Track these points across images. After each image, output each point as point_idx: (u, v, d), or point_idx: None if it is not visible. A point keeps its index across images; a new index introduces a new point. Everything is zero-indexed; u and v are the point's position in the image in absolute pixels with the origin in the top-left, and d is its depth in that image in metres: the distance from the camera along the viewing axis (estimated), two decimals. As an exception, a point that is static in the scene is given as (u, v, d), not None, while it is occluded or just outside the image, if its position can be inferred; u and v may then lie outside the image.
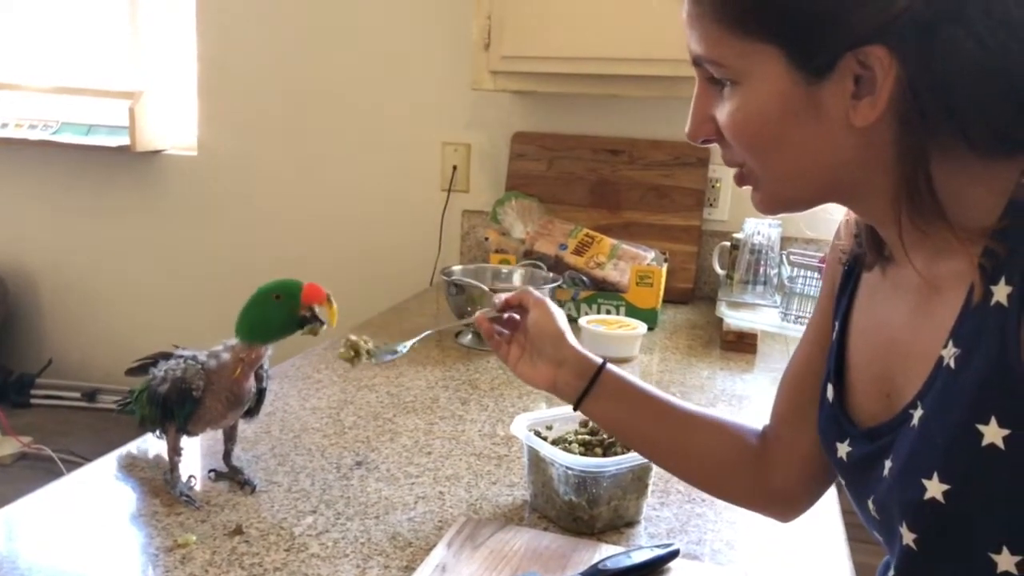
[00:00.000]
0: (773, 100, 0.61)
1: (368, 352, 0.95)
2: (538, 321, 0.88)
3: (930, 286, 0.64)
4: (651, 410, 0.86)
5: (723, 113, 0.65)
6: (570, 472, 0.91)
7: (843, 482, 0.74)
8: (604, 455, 0.94)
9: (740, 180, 0.69)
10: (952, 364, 0.59)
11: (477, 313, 0.92)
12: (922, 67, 0.57)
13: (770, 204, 0.68)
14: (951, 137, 0.59)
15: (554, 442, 0.96)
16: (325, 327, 0.95)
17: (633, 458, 0.92)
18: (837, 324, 0.76)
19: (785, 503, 0.85)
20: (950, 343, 0.60)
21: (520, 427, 0.98)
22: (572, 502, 0.92)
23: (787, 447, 0.82)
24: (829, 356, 0.76)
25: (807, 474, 0.82)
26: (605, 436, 0.98)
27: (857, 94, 0.59)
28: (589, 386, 0.85)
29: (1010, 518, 0.56)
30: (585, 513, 0.92)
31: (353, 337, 0.96)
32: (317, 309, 0.94)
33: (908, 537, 0.62)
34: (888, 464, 0.65)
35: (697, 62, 0.66)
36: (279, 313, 0.94)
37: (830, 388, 0.74)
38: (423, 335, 1.00)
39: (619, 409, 0.86)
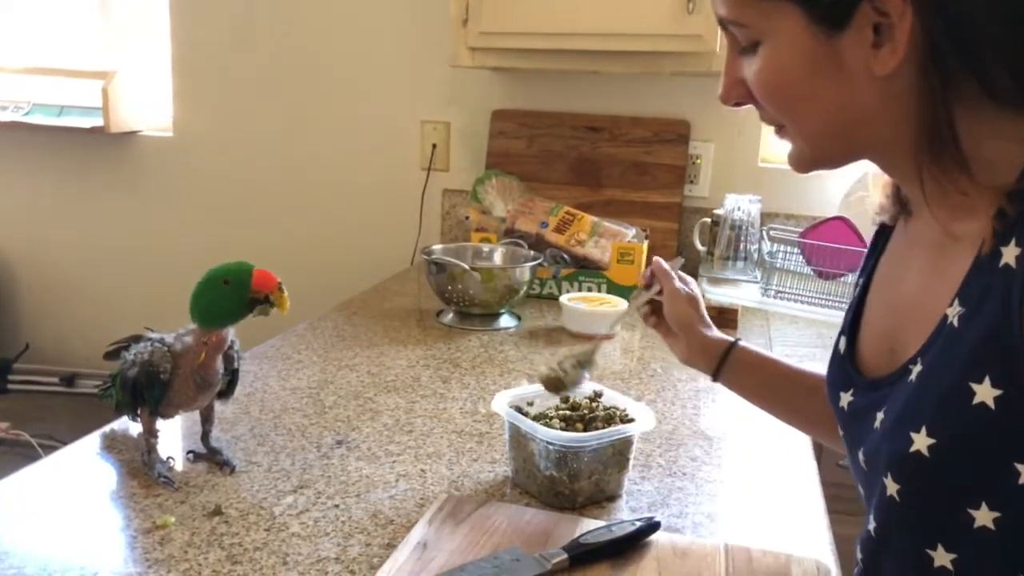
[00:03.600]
0: (795, 57, 0.63)
1: (572, 383, 0.97)
2: (670, 311, 0.99)
3: (943, 244, 0.64)
4: (778, 380, 0.96)
5: (750, 73, 0.66)
6: (551, 447, 0.91)
7: (841, 433, 0.75)
8: (585, 430, 0.94)
9: (779, 136, 0.70)
10: (955, 322, 0.60)
11: (634, 296, 1.04)
12: (936, 10, 0.57)
13: (804, 162, 0.70)
14: (973, 87, 0.59)
15: (535, 418, 0.96)
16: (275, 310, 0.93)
17: (613, 432, 0.92)
18: (862, 281, 0.78)
19: None
20: (956, 301, 0.60)
21: (501, 403, 0.98)
22: (553, 477, 0.92)
23: None
24: (848, 310, 0.78)
25: None
26: (586, 412, 0.98)
27: (877, 43, 0.59)
28: (721, 363, 0.96)
29: (992, 476, 0.57)
30: (566, 488, 0.92)
31: (546, 370, 0.97)
32: (270, 297, 0.92)
33: (892, 488, 0.63)
34: (880, 416, 0.66)
35: (723, 25, 0.67)
36: (229, 298, 0.93)
37: (843, 340, 0.77)
38: (597, 343, 0.99)
39: (750, 381, 0.97)
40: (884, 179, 0.75)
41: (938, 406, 0.59)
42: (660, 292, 1.00)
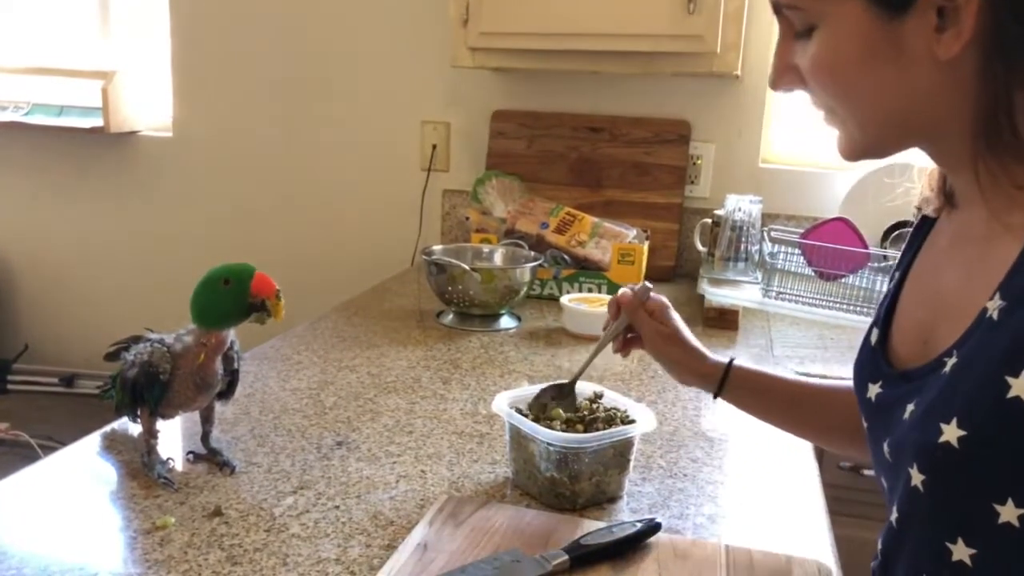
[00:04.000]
0: (853, 41, 0.62)
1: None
2: (654, 354, 1.00)
3: (988, 238, 0.64)
4: (776, 395, 0.97)
5: (805, 58, 0.65)
6: (551, 448, 0.91)
7: (865, 425, 0.75)
8: (585, 431, 0.94)
9: (828, 123, 0.69)
10: (995, 316, 0.59)
11: (605, 334, 1.02)
12: None
13: (854, 149, 0.68)
14: None
15: (536, 419, 0.96)
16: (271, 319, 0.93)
17: (614, 433, 0.92)
18: (898, 274, 0.78)
19: None
20: (997, 295, 0.60)
21: (501, 404, 0.97)
22: (554, 478, 0.92)
23: None
24: (882, 302, 0.78)
25: None
26: (587, 413, 0.98)
27: (940, 27, 0.58)
28: (720, 386, 0.97)
29: (1020, 472, 0.56)
30: (567, 489, 0.92)
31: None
32: (266, 302, 0.91)
33: (916, 479, 0.62)
34: (911, 408, 0.65)
35: (777, 9, 0.66)
36: (228, 299, 0.92)
37: (875, 331, 0.76)
38: (583, 370, 1.01)
39: (751, 399, 0.98)
40: (930, 170, 0.74)
41: (971, 398, 0.59)
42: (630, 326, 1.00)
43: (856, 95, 0.64)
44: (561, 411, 0.97)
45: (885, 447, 0.68)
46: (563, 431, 0.93)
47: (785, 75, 0.68)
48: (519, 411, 0.98)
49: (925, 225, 0.77)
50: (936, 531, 0.62)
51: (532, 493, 0.95)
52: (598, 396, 1.01)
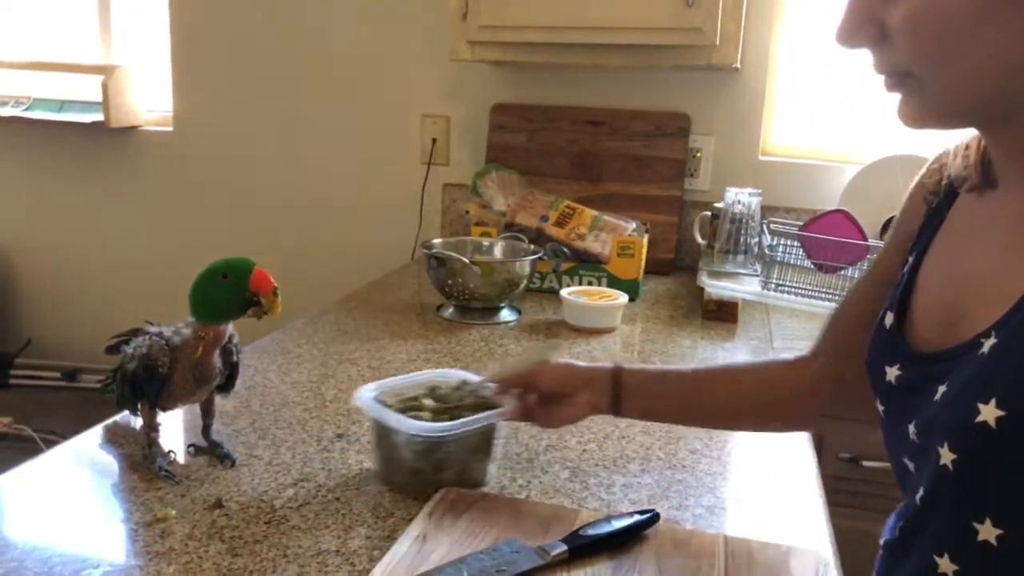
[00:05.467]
0: None
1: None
2: (549, 386, 0.95)
3: None
4: (678, 390, 0.96)
5: (900, 10, 0.59)
6: (416, 439, 0.89)
7: (882, 407, 0.74)
8: (451, 420, 0.91)
9: (894, 88, 0.64)
10: None
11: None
12: None
13: (928, 115, 0.63)
14: None
15: (401, 410, 0.93)
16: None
17: (477, 420, 0.90)
18: (912, 258, 0.76)
19: (808, 421, 0.99)
20: None
21: (365, 398, 0.95)
22: (418, 468, 0.91)
23: (834, 374, 0.88)
24: (897, 286, 0.76)
25: (849, 398, 0.87)
26: (453, 402, 0.95)
27: None
28: (616, 399, 0.93)
29: None
30: (432, 478, 0.91)
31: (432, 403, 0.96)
32: (262, 299, 0.92)
33: (946, 458, 0.62)
34: (942, 389, 0.64)
35: None
36: (225, 293, 0.92)
37: (890, 315, 0.75)
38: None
39: (651, 402, 0.95)
40: (961, 147, 0.72)
41: (1014, 379, 0.58)
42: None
43: (953, 55, 0.58)
44: (431, 401, 0.95)
45: (911, 428, 0.68)
46: (431, 420, 0.91)
47: (864, 29, 0.61)
48: (383, 403, 0.95)
49: (940, 209, 0.75)
50: (962, 511, 0.62)
51: (397, 485, 0.93)
52: (464, 383, 0.99)
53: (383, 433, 0.94)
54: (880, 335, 0.76)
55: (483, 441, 0.94)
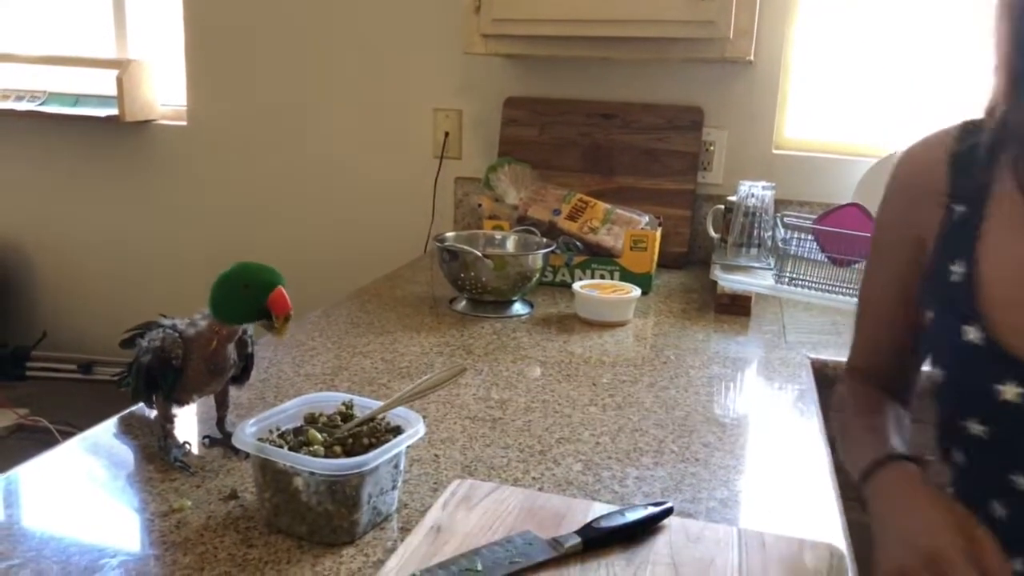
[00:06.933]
0: None
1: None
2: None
3: None
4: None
5: None
6: (325, 478, 0.78)
7: (983, 428, 0.68)
8: (349, 452, 0.83)
9: None
10: None
11: None
12: None
13: None
14: None
15: (292, 448, 0.83)
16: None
17: (396, 443, 0.82)
18: (963, 264, 0.73)
19: None
20: None
21: (246, 439, 0.82)
22: (329, 511, 0.79)
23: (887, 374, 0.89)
24: (960, 298, 0.72)
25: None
26: (345, 433, 0.86)
27: None
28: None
29: None
30: (346, 521, 0.80)
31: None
32: (274, 319, 0.91)
33: None
34: None
35: None
36: (243, 302, 0.92)
37: (971, 331, 0.70)
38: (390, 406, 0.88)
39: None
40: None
41: None
42: None
43: None
44: (316, 433, 0.85)
45: None
46: (326, 456, 0.81)
47: None
48: (271, 441, 0.83)
49: (973, 215, 0.72)
50: None
51: (299, 533, 0.81)
52: (348, 406, 0.91)
53: (276, 476, 0.81)
54: (967, 355, 0.70)
55: (394, 467, 0.85)
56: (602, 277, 1.80)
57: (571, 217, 1.87)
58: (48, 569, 0.75)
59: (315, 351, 1.37)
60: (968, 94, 2.03)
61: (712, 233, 2.05)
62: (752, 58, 1.93)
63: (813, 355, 1.45)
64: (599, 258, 1.82)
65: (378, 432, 0.87)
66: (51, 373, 2.64)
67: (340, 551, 0.80)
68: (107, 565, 0.76)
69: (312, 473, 0.79)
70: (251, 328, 1.01)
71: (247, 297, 0.92)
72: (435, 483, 0.94)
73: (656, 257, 1.84)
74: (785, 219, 1.85)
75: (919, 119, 2.06)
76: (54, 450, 1.00)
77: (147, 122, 2.55)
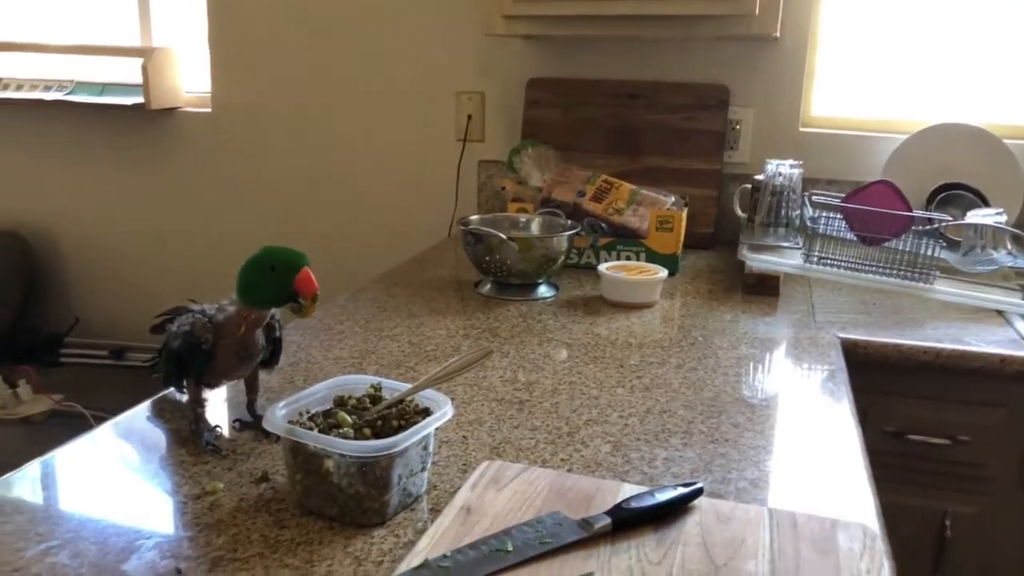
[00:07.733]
0: None
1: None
2: None
3: None
4: None
5: None
6: (356, 460, 0.78)
7: None
8: (377, 434, 0.83)
9: None
10: None
11: None
12: None
13: None
14: None
15: (322, 430, 0.83)
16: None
17: (426, 425, 0.83)
18: None
19: None
20: None
21: (278, 422, 0.82)
22: (360, 493, 0.80)
23: None
24: None
25: None
26: (375, 416, 0.86)
27: None
28: None
29: None
30: (376, 502, 0.81)
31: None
32: (301, 300, 0.92)
33: None
34: None
35: None
36: (270, 285, 0.93)
37: None
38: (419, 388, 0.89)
39: None
40: None
41: None
42: None
43: None
44: (346, 415, 0.86)
45: None
46: (356, 438, 0.82)
47: None
48: (301, 424, 0.84)
49: None
50: None
51: (330, 514, 0.82)
52: (376, 389, 0.91)
53: (307, 459, 0.81)
54: None
55: (423, 448, 0.85)
56: (628, 258, 1.79)
57: (596, 198, 1.86)
58: (87, 550, 0.77)
59: (343, 335, 1.38)
60: (1001, 67, 1.99)
61: (739, 213, 2.03)
62: (778, 34, 1.90)
63: (843, 335, 1.43)
64: (625, 239, 1.81)
65: (407, 414, 0.87)
66: (84, 360, 2.67)
67: (371, 532, 0.80)
68: (143, 546, 0.77)
69: (342, 455, 0.79)
70: (278, 313, 1.02)
71: (274, 279, 0.93)
72: (464, 464, 0.94)
73: (682, 238, 1.83)
74: (813, 198, 1.82)
75: (949, 95, 2.03)
76: (89, 434, 1.01)
77: (172, 109, 2.57)
